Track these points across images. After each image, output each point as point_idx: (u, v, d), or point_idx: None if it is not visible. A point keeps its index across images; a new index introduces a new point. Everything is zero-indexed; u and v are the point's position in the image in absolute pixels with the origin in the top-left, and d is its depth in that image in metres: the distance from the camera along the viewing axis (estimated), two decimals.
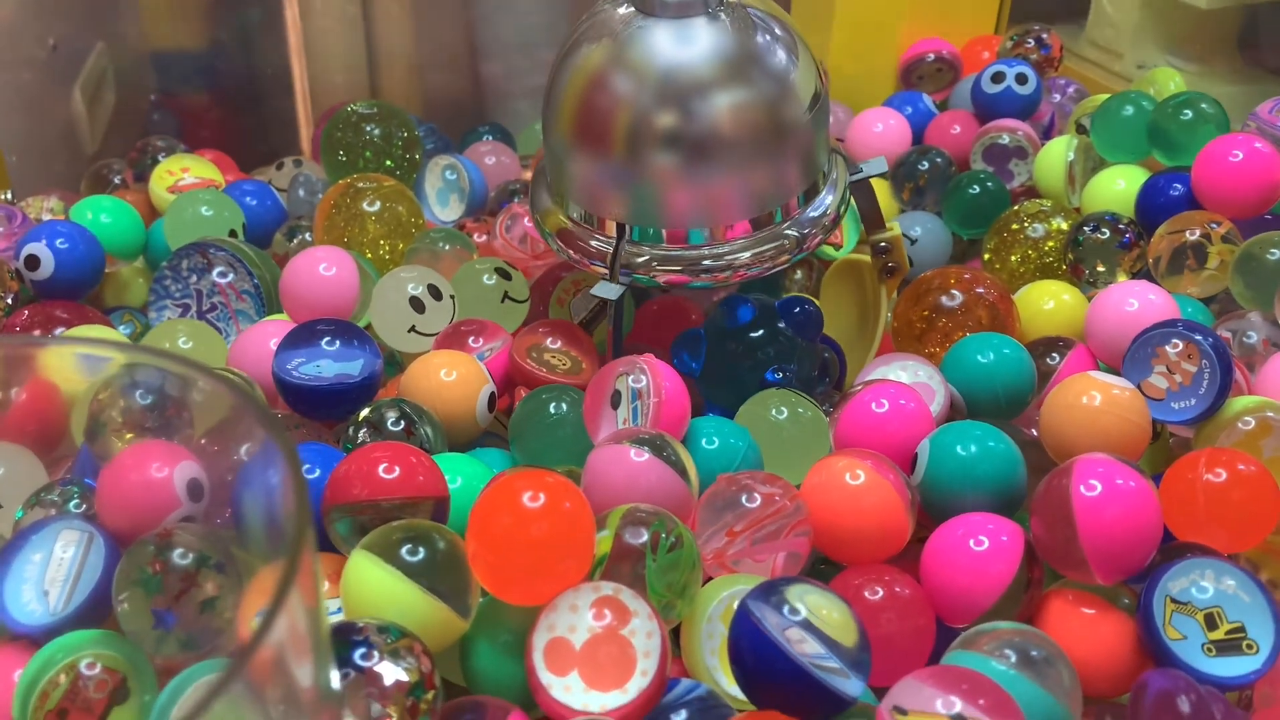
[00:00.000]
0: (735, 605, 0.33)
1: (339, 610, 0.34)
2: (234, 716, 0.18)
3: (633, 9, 0.42)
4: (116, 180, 0.62)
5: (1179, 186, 0.51)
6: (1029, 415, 0.45)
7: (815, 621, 0.31)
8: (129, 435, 0.31)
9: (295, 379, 0.42)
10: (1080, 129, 0.59)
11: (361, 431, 0.41)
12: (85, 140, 0.68)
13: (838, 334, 0.50)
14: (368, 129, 0.58)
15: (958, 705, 0.29)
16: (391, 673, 0.30)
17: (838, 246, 0.54)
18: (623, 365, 0.41)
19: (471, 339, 0.46)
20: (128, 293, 0.57)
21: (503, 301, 0.49)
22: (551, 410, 0.42)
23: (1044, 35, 0.65)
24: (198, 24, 0.75)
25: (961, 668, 0.31)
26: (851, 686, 0.31)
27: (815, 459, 0.39)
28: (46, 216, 0.58)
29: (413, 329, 0.47)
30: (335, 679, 0.25)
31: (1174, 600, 0.34)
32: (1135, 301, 0.44)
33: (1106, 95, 0.57)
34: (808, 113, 0.43)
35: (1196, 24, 0.69)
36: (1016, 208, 0.54)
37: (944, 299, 0.47)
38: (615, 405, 0.40)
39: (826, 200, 0.45)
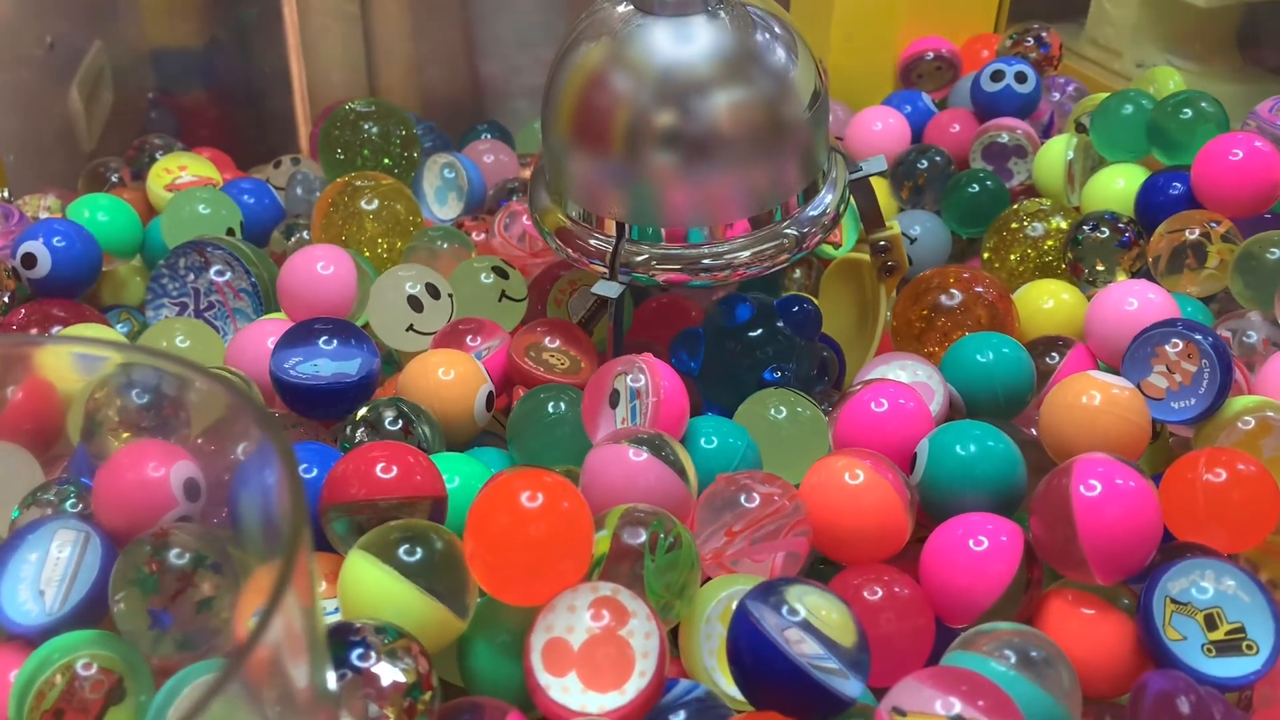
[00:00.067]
0: (734, 605, 0.32)
1: (336, 610, 0.34)
2: (230, 717, 0.18)
3: (632, 7, 0.42)
4: (114, 178, 0.62)
5: (1178, 185, 0.51)
6: (1028, 415, 0.45)
7: (814, 622, 0.31)
8: (125, 435, 0.31)
9: (293, 378, 0.42)
10: (1080, 128, 0.59)
11: (359, 431, 0.41)
12: (83, 138, 0.68)
13: (837, 333, 0.50)
14: (366, 127, 0.58)
15: (957, 706, 0.28)
16: (389, 673, 0.30)
17: (837, 245, 0.54)
18: (621, 365, 0.40)
19: (469, 338, 0.46)
20: (125, 291, 0.57)
21: (500, 300, 0.49)
22: (550, 410, 0.42)
23: (1043, 34, 0.65)
24: (196, 22, 0.75)
25: (961, 669, 0.31)
26: (850, 687, 0.30)
27: (814, 458, 0.39)
28: (43, 215, 0.58)
29: (411, 328, 0.47)
30: (332, 679, 0.25)
31: (1174, 601, 0.34)
32: (1135, 301, 0.44)
33: (1106, 94, 0.57)
34: (807, 111, 0.43)
35: (1196, 23, 0.68)
36: (1016, 206, 0.54)
37: (943, 298, 0.47)
38: (614, 405, 0.40)
39: (826, 199, 0.45)
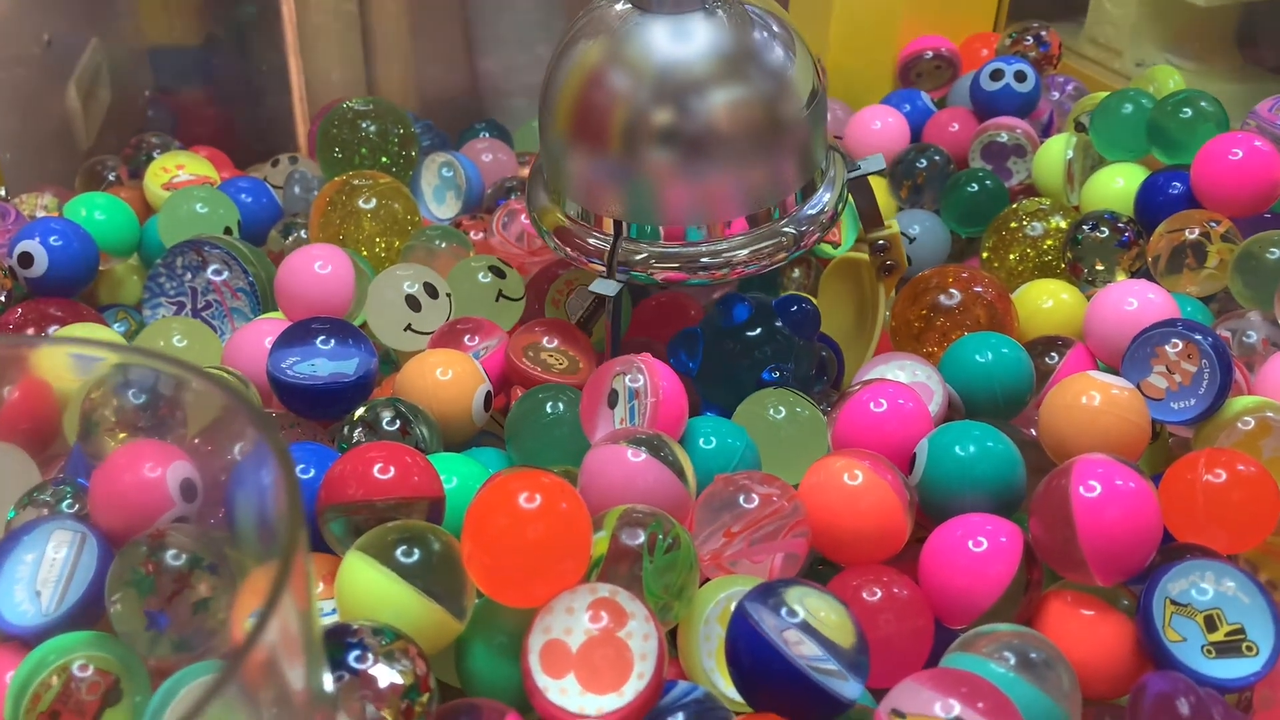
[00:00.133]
0: (733, 607, 0.32)
1: (333, 612, 0.34)
2: (227, 719, 0.18)
3: (630, 5, 0.42)
4: (111, 177, 0.62)
5: (1178, 185, 0.51)
6: (1028, 415, 0.44)
7: (813, 623, 0.31)
8: (122, 435, 0.31)
9: (290, 378, 0.42)
10: (1079, 127, 0.58)
11: (356, 431, 0.41)
12: (80, 137, 0.68)
13: (835, 333, 0.49)
14: (364, 126, 0.58)
15: (956, 708, 0.28)
16: (386, 675, 0.30)
17: (835, 244, 0.54)
18: (620, 365, 0.40)
19: (467, 337, 0.46)
20: (122, 290, 0.56)
21: (498, 300, 0.49)
22: (548, 410, 0.42)
23: (1043, 33, 0.65)
24: (193, 20, 0.75)
25: (960, 670, 0.31)
26: (849, 689, 0.30)
27: (813, 459, 0.39)
28: (40, 213, 0.58)
29: (408, 327, 0.47)
30: (328, 681, 0.25)
31: (1173, 602, 0.34)
32: (1134, 300, 0.44)
33: (1105, 93, 0.57)
34: (805, 109, 0.43)
35: (1195, 22, 0.68)
36: (1015, 206, 0.54)
37: (942, 298, 0.47)
38: (612, 405, 0.40)
39: (824, 198, 0.45)
